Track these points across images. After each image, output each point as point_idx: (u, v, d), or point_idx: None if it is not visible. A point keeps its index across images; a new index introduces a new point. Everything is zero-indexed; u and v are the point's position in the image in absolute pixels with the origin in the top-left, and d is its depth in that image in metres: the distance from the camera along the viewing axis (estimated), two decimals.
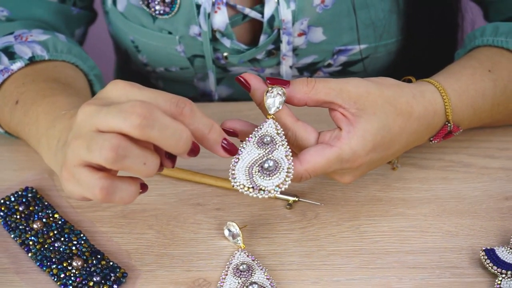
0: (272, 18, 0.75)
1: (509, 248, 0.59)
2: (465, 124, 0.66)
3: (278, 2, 0.74)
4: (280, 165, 0.54)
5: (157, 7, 0.76)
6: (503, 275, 0.57)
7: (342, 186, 0.68)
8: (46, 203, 0.66)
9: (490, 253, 0.58)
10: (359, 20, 0.76)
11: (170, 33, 0.79)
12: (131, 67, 0.96)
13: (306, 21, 0.76)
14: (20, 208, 0.65)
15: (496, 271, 0.57)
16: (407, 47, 0.82)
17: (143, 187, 0.54)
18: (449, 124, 0.63)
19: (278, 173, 0.54)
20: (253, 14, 0.76)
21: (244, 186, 0.54)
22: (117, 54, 1.01)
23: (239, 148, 0.56)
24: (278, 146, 0.55)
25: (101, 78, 0.77)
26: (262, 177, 0.54)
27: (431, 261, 0.60)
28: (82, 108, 0.50)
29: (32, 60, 0.70)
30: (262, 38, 0.78)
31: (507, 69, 0.68)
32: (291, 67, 0.80)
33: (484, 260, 0.58)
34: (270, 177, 0.54)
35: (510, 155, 0.71)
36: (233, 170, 0.55)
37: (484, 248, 0.59)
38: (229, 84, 0.87)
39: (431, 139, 0.64)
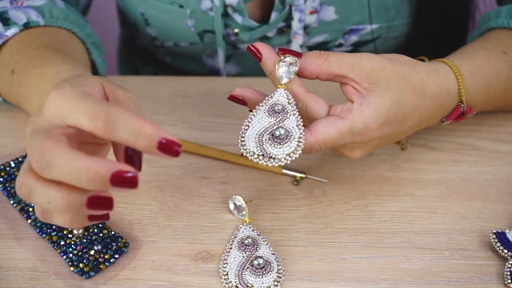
0: None
1: None
2: (478, 105, 0.65)
3: None
4: (291, 134, 0.53)
5: None
6: None
7: (349, 164, 0.66)
8: None
9: (501, 236, 0.57)
10: (370, 0, 0.75)
11: (181, 6, 0.77)
12: (136, 43, 0.94)
13: None
14: None
15: (506, 255, 0.56)
16: (418, 28, 0.80)
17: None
18: (462, 105, 0.62)
19: (289, 142, 0.52)
20: None
21: (254, 153, 0.52)
22: (123, 29, 0.98)
23: (249, 115, 0.54)
24: (289, 116, 0.54)
25: (99, 46, 0.74)
26: (272, 145, 0.52)
27: (440, 242, 0.59)
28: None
29: (26, 26, 0.67)
30: (273, 15, 0.76)
31: None
32: (301, 46, 0.78)
33: (494, 243, 0.57)
34: (281, 146, 0.52)
35: None
36: (243, 137, 0.53)
37: (494, 231, 0.58)
38: (238, 61, 0.85)
39: (444, 119, 0.63)
